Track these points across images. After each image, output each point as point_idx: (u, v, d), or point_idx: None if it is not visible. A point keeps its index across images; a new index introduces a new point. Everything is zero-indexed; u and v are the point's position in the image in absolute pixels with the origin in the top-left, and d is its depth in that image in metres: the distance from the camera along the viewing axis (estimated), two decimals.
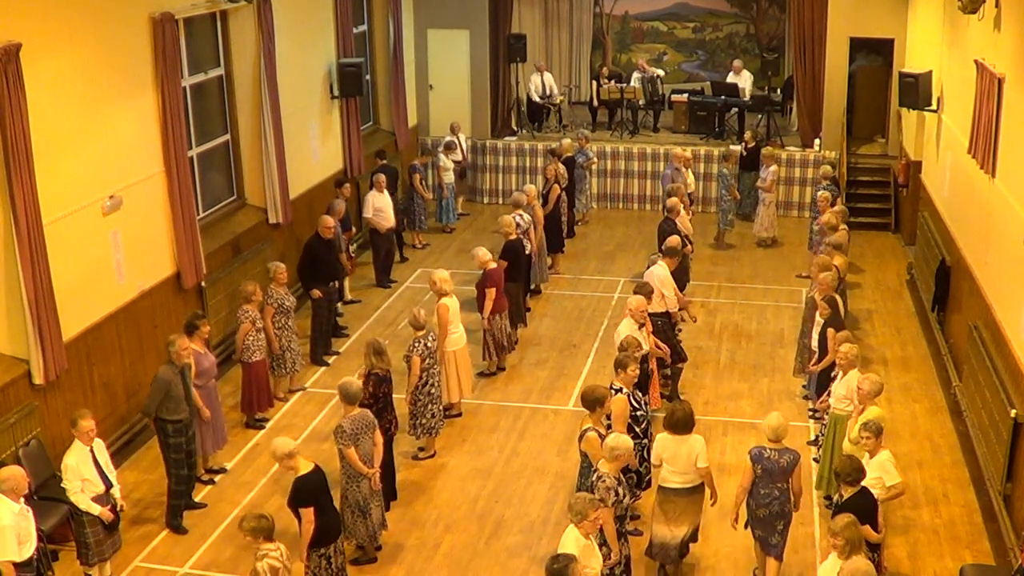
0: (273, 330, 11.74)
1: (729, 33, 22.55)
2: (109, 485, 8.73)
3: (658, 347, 11.25)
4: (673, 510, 8.73)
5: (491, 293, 12.32)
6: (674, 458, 8.64)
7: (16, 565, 7.75)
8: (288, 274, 12.16)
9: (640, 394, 9.69)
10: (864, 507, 7.96)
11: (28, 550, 7.87)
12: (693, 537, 8.92)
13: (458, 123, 19.14)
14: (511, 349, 13.06)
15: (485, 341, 12.61)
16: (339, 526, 8.60)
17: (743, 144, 18.18)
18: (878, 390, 9.19)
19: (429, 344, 10.76)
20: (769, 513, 8.50)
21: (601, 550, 7.89)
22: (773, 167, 17.09)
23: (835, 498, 8.91)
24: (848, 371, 9.74)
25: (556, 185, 15.85)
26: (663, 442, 8.67)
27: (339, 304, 14.31)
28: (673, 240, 12.66)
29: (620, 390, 9.29)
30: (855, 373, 9.67)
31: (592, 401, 8.82)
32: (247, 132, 14.11)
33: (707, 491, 8.77)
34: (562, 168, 16.34)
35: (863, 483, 8.07)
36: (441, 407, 11.08)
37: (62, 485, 8.64)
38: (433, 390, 10.80)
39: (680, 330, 12.82)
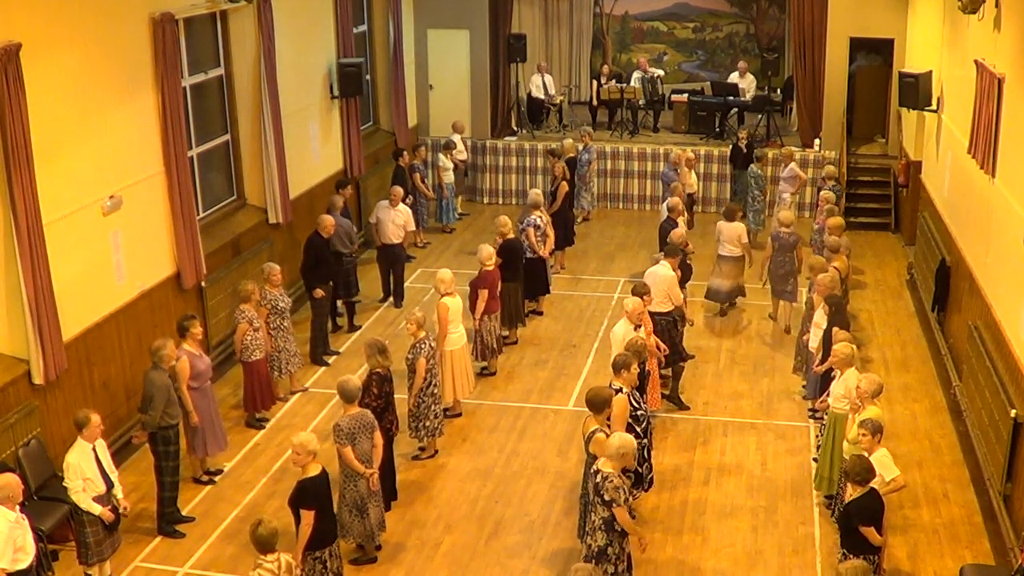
0: (268, 331, 11.72)
1: (729, 33, 22.55)
2: (110, 485, 8.72)
3: (658, 347, 11.25)
4: (722, 270, 14.15)
5: (483, 295, 12.31)
6: (726, 235, 14.01)
7: (10, 574, 7.62)
8: (285, 275, 12.15)
9: (638, 394, 9.69)
10: (871, 507, 7.94)
11: (24, 561, 7.65)
12: (741, 291, 14.33)
13: (461, 123, 19.14)
14: (500, 352, 12.97)
15: (475, 342, 12.61)
16: (335, 531, 8.56)
17: (739, 141, 18.04)
18: (877, 390, 9.15)
19: (433, 344, 10.78)
20: (784, 272, 13.58)
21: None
22: (792, 165, 17.01)
23: (839, 497, 8.92)
24: (845, 370, 9.73)
25: (564, 183, 15.79)
26: (720, 226, 14.16)
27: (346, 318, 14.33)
28: (676, 235, 12.73)
29: (620, 390, 9.29)
30: (853, 372, 9.65)
31: (600, 403, 8.79)
32: (247, 132, 14.11)
33: (746, 257, 14.29)
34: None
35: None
36: (442, 407, 11.09)
37: (64, 484, 8.61)
38: (436, 391, 10.81)
39: (681, 330, 12.79)
